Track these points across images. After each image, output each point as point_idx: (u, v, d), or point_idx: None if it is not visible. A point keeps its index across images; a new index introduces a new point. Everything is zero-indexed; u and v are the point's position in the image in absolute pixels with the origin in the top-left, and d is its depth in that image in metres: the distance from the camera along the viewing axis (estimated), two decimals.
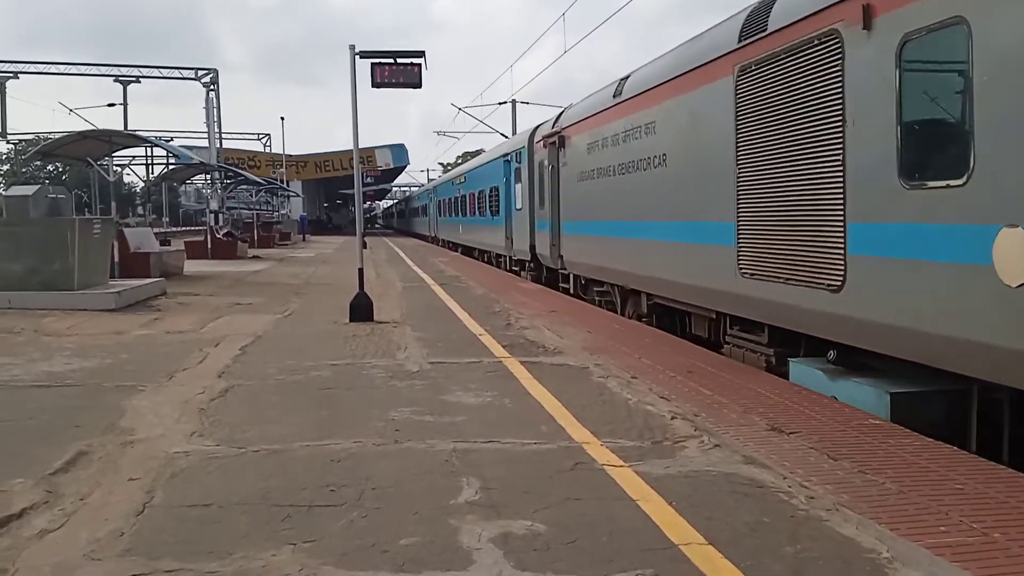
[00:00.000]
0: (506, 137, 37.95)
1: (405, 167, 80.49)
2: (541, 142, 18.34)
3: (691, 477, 4.95)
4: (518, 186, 21.39)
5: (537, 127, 19.80)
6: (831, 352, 7.32)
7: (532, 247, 19.78)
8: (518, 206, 21.46)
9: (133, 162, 45.26)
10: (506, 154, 23.58)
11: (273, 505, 4.52)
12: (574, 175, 15.34)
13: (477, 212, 29.73)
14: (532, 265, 20.56)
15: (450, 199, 39.16)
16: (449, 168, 72.84)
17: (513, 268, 23.62)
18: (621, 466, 5.14)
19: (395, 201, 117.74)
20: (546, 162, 17.49)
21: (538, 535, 4.06)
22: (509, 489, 4.74)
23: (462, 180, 34.53)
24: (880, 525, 4.13)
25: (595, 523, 4.22)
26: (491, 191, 25.97)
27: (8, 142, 60.40)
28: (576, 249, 15.73)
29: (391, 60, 12.06)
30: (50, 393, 7.43)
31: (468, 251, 34.38)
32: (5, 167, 79.18)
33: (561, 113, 17.28)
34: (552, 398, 7.04)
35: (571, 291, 16.65)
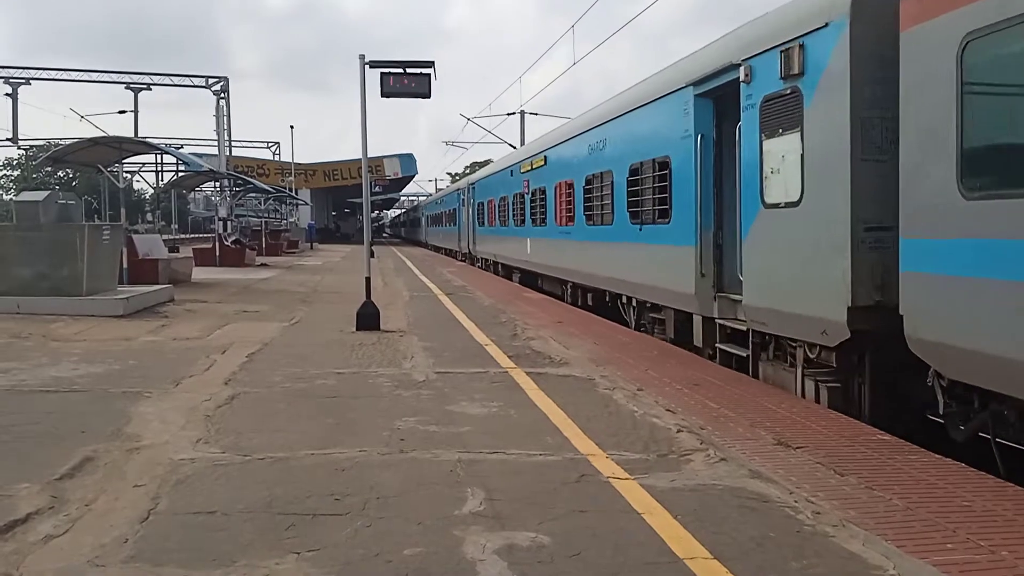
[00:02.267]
0: (515, 148, 36.92)
1: (413, 177, 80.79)
2: None
3: (697, 491, 4.93)
4: (815, 137, 7.58)
5: None
6: None
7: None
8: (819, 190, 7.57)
9: (143, 169, 45.57)
10: (738, 64, 8.88)
11: (278, 513, 4.51)
12: None
13: (584, 218, 15.49)
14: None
15: (504, 200, 25.26)
16: (458, 178, 70.95)
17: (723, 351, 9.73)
18: (626, 479, 5.12)
19: (404, 210, 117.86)
20: None
21: (542, 547, 4.05)
22: (514, 500, 4.72)
23: (535, 165, 20.48)
24: (887, 541, 4.10)
25: (600, 536, 4.20)
26: (645, 169, 12.05)
27: (19, 148, 60.77)
28: None
29: (401, 70, 12.12)
30: (57, 398, 7.45)
31: (531, 279, 22.06)
32: (16, 173, 79.80)
33: None
34: (558, 409, 7.03)
35: None
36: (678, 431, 6.30)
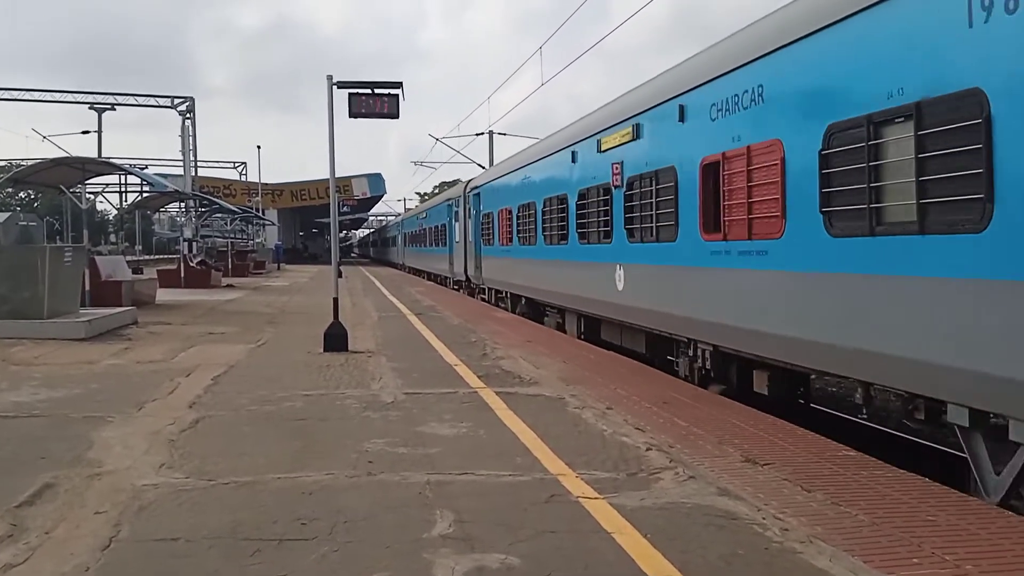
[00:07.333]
0: (484, 168, 36.90)
1: (382, 196, 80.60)
2: None
3: (666, 509, 4.94)
4: None
5: None
6: None
7: None
8: None
9: (107, 190, 44.93)
10: None
11: (243, 539, 4.44)
12: None
13: None
14: None
15: None
16: (427, 197, 69.42)
17: None
18: (596, 498, 5.12)
19: (372, 230, 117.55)
20: None
21: (512, 569, 4.02)
22: (483, 522, 4.69)
23: None
24: (854, 557, 4.14)
25: (570, 556, 4.19)
26: None
27: None
28: None
29: (369, 90, 12.11)
30: (16, 424, 7.29)
31: None
32: None
33: None
34: (527, 429, 7.01)
35: None
36: (647, 449, 6.32)
